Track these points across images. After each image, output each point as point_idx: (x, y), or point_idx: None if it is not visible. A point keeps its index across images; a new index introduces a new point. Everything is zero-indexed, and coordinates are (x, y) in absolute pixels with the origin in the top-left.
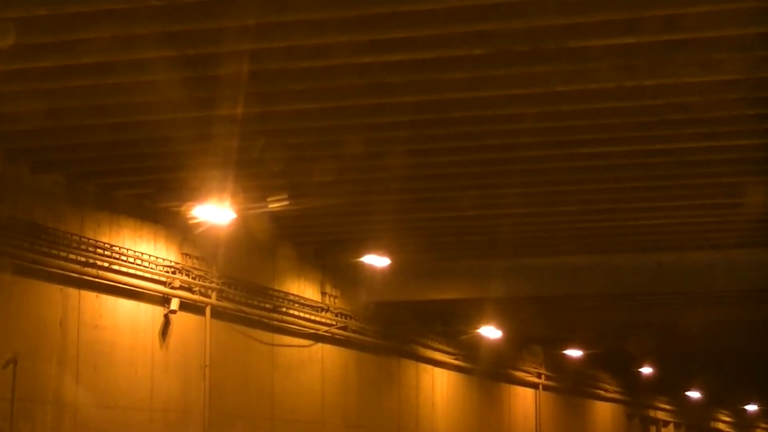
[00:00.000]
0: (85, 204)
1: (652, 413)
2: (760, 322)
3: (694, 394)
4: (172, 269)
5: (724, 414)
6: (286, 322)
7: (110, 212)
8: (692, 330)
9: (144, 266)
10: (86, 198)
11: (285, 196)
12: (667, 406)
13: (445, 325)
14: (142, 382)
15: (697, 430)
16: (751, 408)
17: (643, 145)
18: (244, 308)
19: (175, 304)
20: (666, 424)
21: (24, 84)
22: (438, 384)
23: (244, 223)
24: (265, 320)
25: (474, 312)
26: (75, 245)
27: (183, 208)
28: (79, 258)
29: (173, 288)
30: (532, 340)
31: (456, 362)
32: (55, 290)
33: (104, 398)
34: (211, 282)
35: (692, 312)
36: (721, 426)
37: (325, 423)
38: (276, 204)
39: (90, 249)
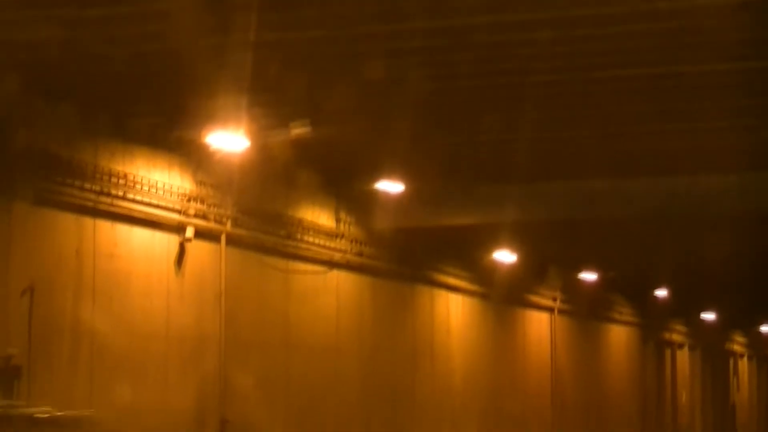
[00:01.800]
0: (99, 133)
1: (667, 336)
2: None
3: (709, 317)
4: (187, 197)
5: (738, 336)
6: (301, 249)
7: (124, 141)
8: (707, 253)
9: (159, 195)
10: (100, 127)
11: (301, 122)
12: (682, 329)
13: (459, 250)
14: (158, 311)
15: (712, 353)
16: (766, 330)
17: (657, 68)
18: (259, 235)
19: (190, 232)
20: (681, 346)
21: (38, 11)
22: (453, 309)
23: (258, 150)
24: (280, 247)
25: (489, 237)
26: (89, 174)
27: (197, 136)
28: (93, 187)
29: (188, 216)
30: (547, 264)
31: (471, 287)
32: (70, 220)
33: (120, 327)
34: (226, 210)
35: (707, 235)
36: (736, 348)
37: (340, 350)
38: (293, 131)
39: (104, 178)
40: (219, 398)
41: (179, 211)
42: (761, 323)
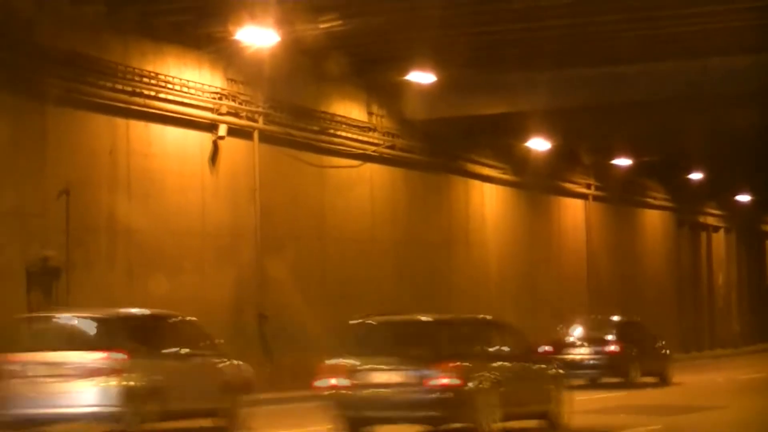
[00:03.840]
0: (128, 33)
1: (701, 219)
2: None
3: (744, 199)
4: (219, 95)
5: None
6: (334, 143)
7: (153, 40)
8: (740, 132)
9: (190, 93)
10: (129, 26)
11: (329, 16)
12: (716, 212)
13: (493, 139)
14: (194, 207)
15: (748, 234)
16: None
17: None
18: (292, 131)
19: (222, 130)
20: (716, 229)
21: None
22: (487, 198)
23: (288, 45)
24: (313, 142)
25: (521, 125)
26: (120, 75)
27: (227, 33)
28: (125, 88)
29: (220, 114)
30: (580, 151)
31: (505, 176)
32: (102, 120)
33: (157, 224)
34: (258, 106)
35: (739, 114)
36: None
37: (375, 241)
38: (321, 24)
39: (135, 78)
40: (256, 289)
41: (211, 110)
42: None
